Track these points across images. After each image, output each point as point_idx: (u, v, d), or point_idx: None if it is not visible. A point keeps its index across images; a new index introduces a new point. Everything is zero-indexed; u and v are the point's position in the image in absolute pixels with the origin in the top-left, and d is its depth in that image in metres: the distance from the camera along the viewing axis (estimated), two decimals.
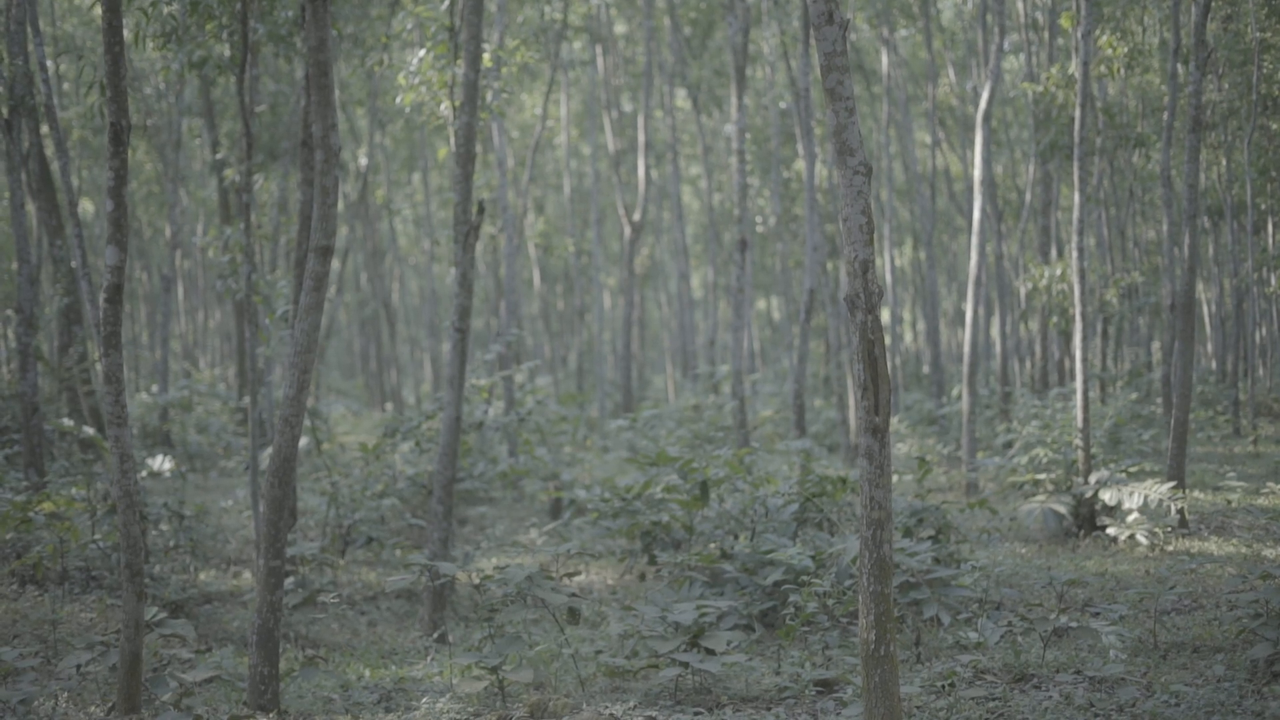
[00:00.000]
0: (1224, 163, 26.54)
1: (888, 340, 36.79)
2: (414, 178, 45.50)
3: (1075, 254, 15.43)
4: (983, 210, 19.60)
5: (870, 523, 6.46)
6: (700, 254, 52.46)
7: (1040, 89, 23.46)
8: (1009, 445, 22.21)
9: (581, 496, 17.54)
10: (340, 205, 36.36)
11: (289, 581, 13.24)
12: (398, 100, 15.32)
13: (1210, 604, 10.83)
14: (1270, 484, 16.29)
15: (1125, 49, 21.87)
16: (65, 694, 9.03)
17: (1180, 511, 14.22)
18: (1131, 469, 15.59)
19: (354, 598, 13.86)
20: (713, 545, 13.03)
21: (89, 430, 15.45)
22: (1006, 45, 33.35)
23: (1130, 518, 14.04)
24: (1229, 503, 15.68)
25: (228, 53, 14.75)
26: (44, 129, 19.83)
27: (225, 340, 45.94)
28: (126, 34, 14.44)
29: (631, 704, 8.55)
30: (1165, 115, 18.42)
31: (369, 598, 13.93)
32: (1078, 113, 15.53)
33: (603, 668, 9.37)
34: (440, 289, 47.32)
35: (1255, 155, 23.70)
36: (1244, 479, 17.65)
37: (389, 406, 42.24)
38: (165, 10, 13.88)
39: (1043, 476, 16.56)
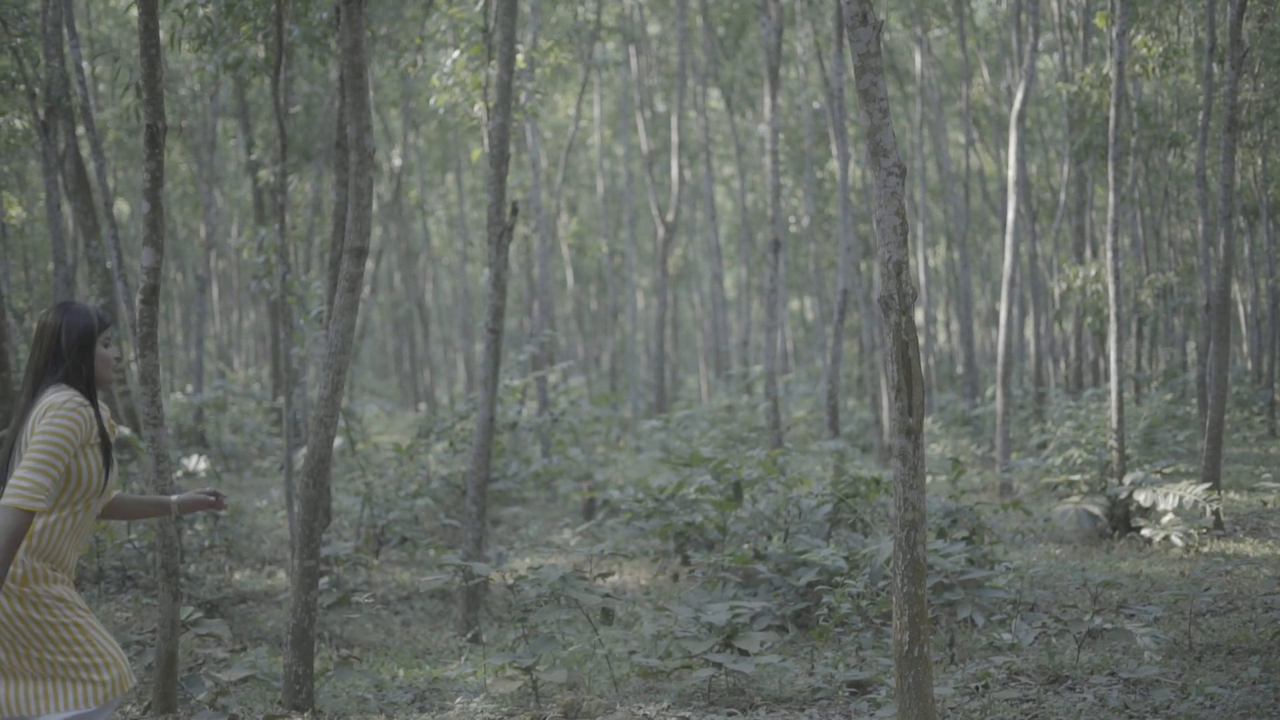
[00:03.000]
0: (1260, 162, 26.38)
1: (921, 341, 36.71)
2: (447, 178, 45.60)
3: (1110, 254, 15.38)
4: (1017, 210, 19.55)
5: (904, 524, 6.45)
6: (733, 254, 52.45)
7: (1075, 89, 23.38)
8: (1043, 446, 22.15)
9: (615, 497, 17.55)
10: (374, 206, 36.49)
11: (323, 581, 13.29)
12: (431, 101, 15.36)
13: (1245, 606, 10.78)
14: None
15: (1160, 48, 21.76)
16: None
17: (1215, 513, 14.16)
18: (1166, 470, 15.54)
19: (388, 598, 13.91)
20: (746, 546, 13.02)
21: (124, 430, 15.52)
22: (1040, 45, 33.23)
23: (1165, 519, 13.98)
24: (1264, 504, 15.61)
25: (262, 54, 14.81)
26: (80, 130, 19.94)
27: (259, 340, 46.14)
28: (162, 36, 14.52)
29: (665, 704, 8.56)
30: (1200, 115, 18.32)
31: (403, 598, 13.97)
32: (1112, 112, 15.48)
33: (636, 668, 9.38)
34: (473, 289, 47.44)
35: None
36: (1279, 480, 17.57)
37: (422, 407, 42.35)
38: (200, 12, 13.95)
39: (1077, 477, 16.50)
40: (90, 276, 19.19)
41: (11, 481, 5.00)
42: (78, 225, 19.64)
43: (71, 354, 5.32)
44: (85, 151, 21.13)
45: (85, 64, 25.50)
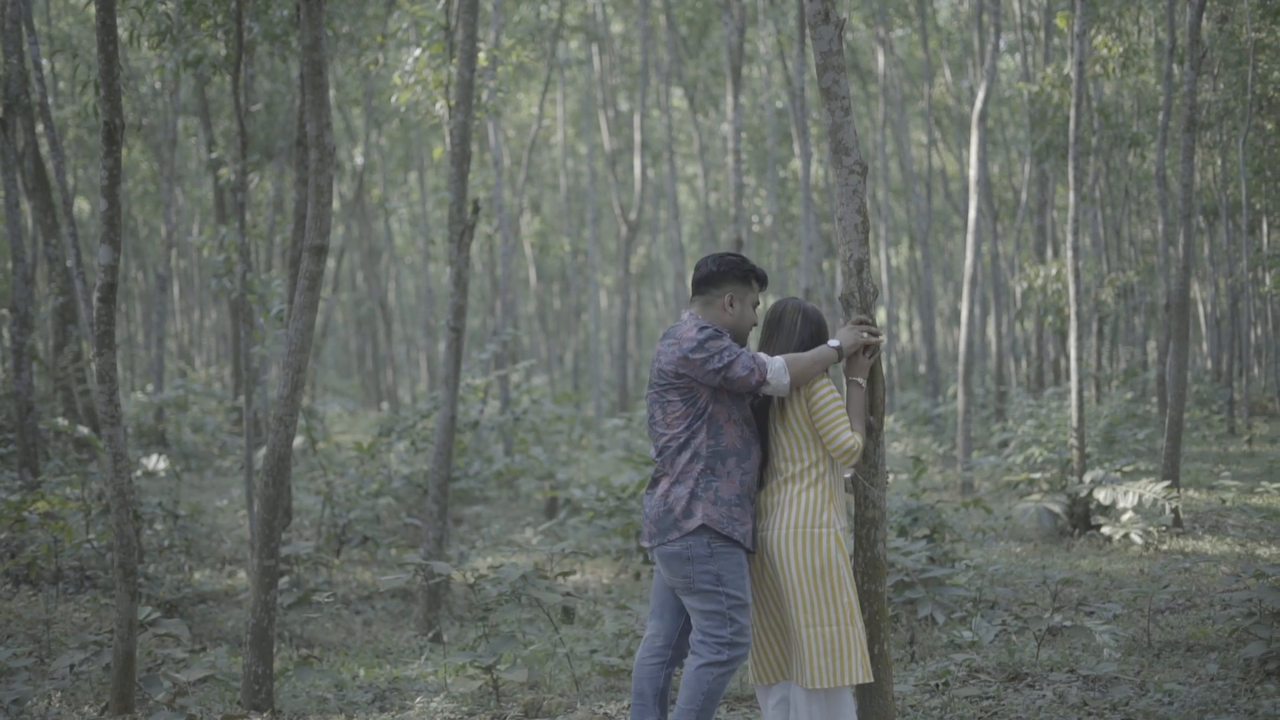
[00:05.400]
0: (1219, 162, 26.54)
1: (883, 339, 36.77)
2: (410, 177, 45.49)
3: (1070, 253, 15.44)
4: (978, 210, 19.61)
5: (864, 521, 6.46)
6: (696, 253, 52.44)
7: (1036, 89, 23.48)
8: (1004, 444, 22.24)
9: (577, 496, 17.53)
10: (336, 204, 36.36)
11: (284, 581, 13.23)
12: (393, 99, 15.30)
13: (1204, 603, 10.83)
14: (1264, 483, 16.31)
15: (1120, 49, 21.88)
16: (59, 693, 9.02)
17: (1175, 510, 14.23)
18: (1126, 468, 15.61)
19: (349, 597, 13.85)
20: None
21: (84, 430, 15.44)
22: (1002, 45, 33.39)
23: (1125, 517, 14.04)
24: (1223, 502, 15.69)
25: (223, 52, 14.73)
26: (39, 128, 19.81)
27: (221, 339, 45.90)
28: (121, 33, 14.43)
29: (625, 703, 8.55)
30: (1160, 115, 18.43)
31: (364, 597, 13.92)
32: (1073, 112, 15.55)
33: (597, 667, 9.37)
34: (436, 288, 47.36)
35: (1250, 155, 23.70)
36: (1238, 478, 17.66)
37: (385, 405, 42.22)
38: (160, 9, 13.86)
39: (1038, 476, 16.56)
40: (49, 275, 19.05)
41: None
42: (36, 223, 19.51)
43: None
44: (44, 149, 20.98)
45: (44, 61, 25.35)
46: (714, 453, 6.36)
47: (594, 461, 24.67)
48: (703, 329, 6.33)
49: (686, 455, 6.37)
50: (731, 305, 6.55)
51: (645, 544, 6.53)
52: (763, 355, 6.36)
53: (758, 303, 6.70)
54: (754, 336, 7.03)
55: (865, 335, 6.36)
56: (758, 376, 6.22)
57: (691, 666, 6.41)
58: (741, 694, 8.73)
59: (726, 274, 6.55)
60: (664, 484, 6.44)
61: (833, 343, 6.35)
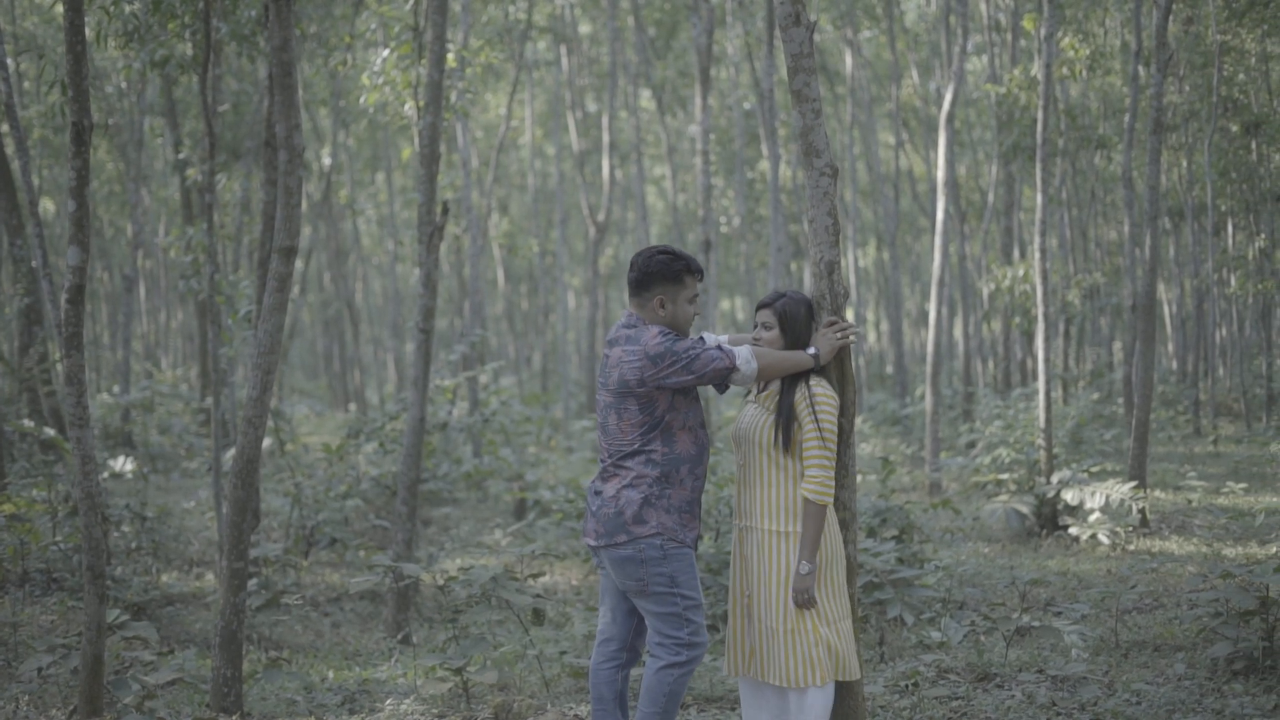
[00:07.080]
0: (1185, 164, 26.67)
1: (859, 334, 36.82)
2: (378, 178, 45.36)
3: (1037, 255, 15.50)
4: (946, 211, 19.66)
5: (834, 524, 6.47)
6: None
7: (1003, 90, 23.56)
8: (972, 445, 22.31)
9: (546, 497, 17.51)
10: (304, 205, 36.21)
11: (252, 583, 13.17)
12: (362, 100, 15.27)
13: (1171, 603, 10.89)
14: (1230, 483, 16.42)
15: (1087, 51, 21.97)
16: (26, 697, 8.97)
17: (1141, 511, 14.30)
18: (1093, 469, 15.68)
19: (318, 599, 13.81)
20: None
21: (50, 431, 15.33)
22: (969, 47, 33.47)
23: (1092, 517, 14.10)
24: (1190, 502, 15.76)
25: (190, 52, 14.67)
26: (4, 128, 19.69)
27: (188, 341, 45.71)
28: (88, 32, 14.35)
29: None
30: (1127, 117, 18.51)
31: (333, 599, 13.88)
32: (1040, 114, 15.61)
33: (567, 668, 9.37)
34: (404, 289, 47.23)
35: (1215, 157, 23.82)
36: (1204, 478, 17.76)
37: (353, 407, 42.11)
38: (127, 9, 13.79)
39: (1005, 476, 16.62)
40: (15, 275, 18.95)
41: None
42: (2, 224, 19.40)
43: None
44: (10, 149, 20.86)
45: (10, 60, 25.20)
46: (669, 460, 6.35)
47: (563, 462, 24.66)
48: (665, 334, 6.26)
49: (640, 461, 6.34)
50: (663, 307, 6.43)
51: (591, 543, 6.47)
52: (727, 344, 6.36)
53: (695, 295, 6.56)
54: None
55: (840, 340, 6.34)
56: (727, 362, 6.17)
57: (651, 670, 6.39)
58: (711, 694, 8.74)
59: (656, 275, 6.42)
60: (615, 484, 6.39)
61: (810, 350, 6.32)
